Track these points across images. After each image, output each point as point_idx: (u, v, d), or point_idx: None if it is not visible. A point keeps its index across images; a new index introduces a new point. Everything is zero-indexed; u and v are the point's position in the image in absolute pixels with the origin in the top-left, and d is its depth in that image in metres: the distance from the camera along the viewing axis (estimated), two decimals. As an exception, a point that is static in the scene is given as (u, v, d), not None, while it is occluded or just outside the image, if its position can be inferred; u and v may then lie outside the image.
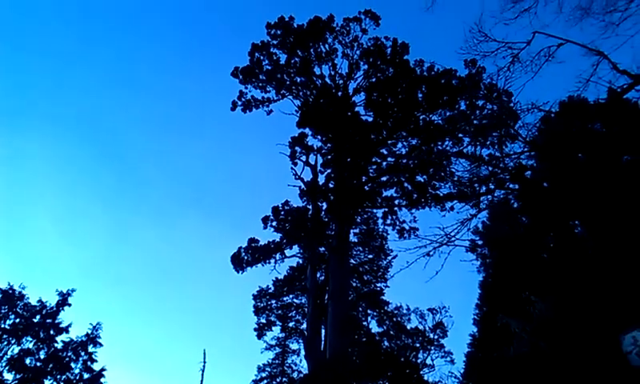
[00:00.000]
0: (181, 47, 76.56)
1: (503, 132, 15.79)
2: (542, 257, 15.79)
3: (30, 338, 22.25)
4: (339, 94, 27.40)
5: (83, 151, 70.61)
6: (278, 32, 27.38)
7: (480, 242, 18.54)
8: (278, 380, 33.22)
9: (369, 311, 31.82)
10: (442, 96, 24.48)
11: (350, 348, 24.65)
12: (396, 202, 26.11)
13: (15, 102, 67.06)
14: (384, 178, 26.17)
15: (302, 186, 27.25)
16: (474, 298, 23.61)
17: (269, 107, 28.08)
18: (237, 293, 69.85)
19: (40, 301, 23.19)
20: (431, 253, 14.77)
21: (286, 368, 33.66)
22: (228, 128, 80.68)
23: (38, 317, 22.87)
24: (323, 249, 26.95)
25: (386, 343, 30.20)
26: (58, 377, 21.95)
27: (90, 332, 23.37)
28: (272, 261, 27.01)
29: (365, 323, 31.35)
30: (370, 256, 31.62)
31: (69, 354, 22.59)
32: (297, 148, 27.50)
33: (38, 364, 21.88)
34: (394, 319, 30.82)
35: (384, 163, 26.23)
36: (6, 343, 21.69)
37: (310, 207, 27.18)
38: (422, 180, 24.87)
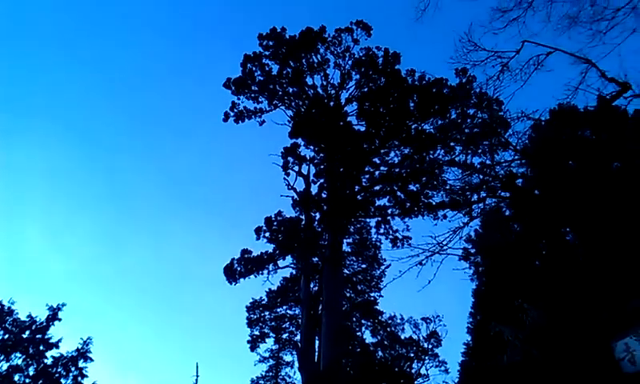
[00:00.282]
0: (173, 57, 76.74)
1: (494, 140, 15.86)
2: (535, 264, 15.81)
3: (19, 354, 21.90)
4: (331, 104, 27.45)
5: (72, 160, 70.38)
6: (270, 43, 27.45)
7: (473, 250, 18.55)
8: (271, 392, 32.99)
9: (363, 321, 31.73)
10: (434, 105, 24.57)
11: (344, 359, 24.51)
12: (389, 211, 26.11)
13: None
14: (377, 188, 26.15)
15: (295, 197, 27.19)
16: (467, 306, 23.62)
17: (261, 118, 28.06)
18: (229, 304, 69.46)
19: (30, 316, 22.89)
20: (424, 262, 14.73)
21: (279, 380, 33.44)
22: (220, 139, 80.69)
23: (27, 332, 22.54)
24: (316, 259, 26.85)
25: (380, 353, 30.12)
26: (48, 393, 21.63)
27: (80, 347, 23.06)
28: (265, 272, 26.79)
29: (359, 333, 31.26)
30: (364, 266, 31.58)
31: (59, 369, 22.25)
32: (289, 158, 27.48)
33: (27, 380, 21.53)
34: (388, 329, 30.75)
35: (377, 172, 26.23)
36: (-6, 360, 21.38)
37: (303, 217, 27.10)
38: (415, 189, 24.87)
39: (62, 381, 22.19)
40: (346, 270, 30.05)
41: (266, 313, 33.34)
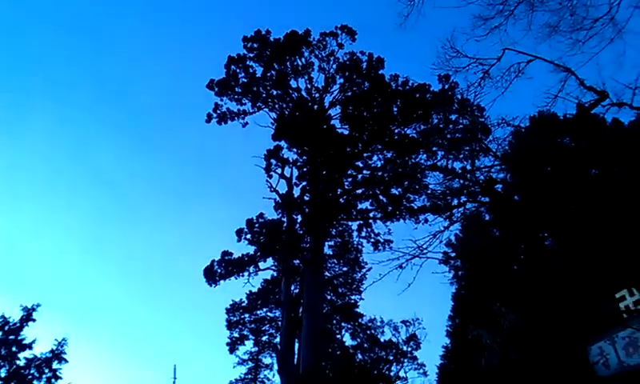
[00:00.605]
0: (157, 56, 76.02)
1: (475, 146, 16.02)
2: (513, 269, 16.02)
3: (-10, 356, 21.43)
4: (315, 107, 27.49)
5: (57, 156, 69.17)
6: (255, 45, 27.37)
7: (453, 255, 18.71)
8: (250, 395, 32.79)
9: (343, 324, 31.76)
10: (417, 110, 24.78)
11: (324, 361, 24.49)
12: (371, 214, 26.20)
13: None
14: (359, 191, 26.22)
15: (277, 199, 27.06)
16: (447, 310, 23.82)
17: (244, 119, 27.91)
18: (209, 306, 68.94)
19: (2, 316, 22.39)
20: (404, 265, 14.69)
21: (258, 383, 33.23)
22: (202, 140, 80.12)
23: (0, 333, 22.03)
24: (298, 261, 26.76)
25: (360, 356, 30.17)
26: (20, 395, 21.16)
27: (54, 348, 22.64)
28: (246, 274, 26.60)
29: (339, 336, 31.27)
30: (345, 268, 31.61)
31: (32, 371, 21.77)
32: (272, 160, 27.36)
33: (-1, 382, 21.06)
34: (368, 332, 30.82)
35: (359, 176, 26.31)
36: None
37: (285, 220, 27.01)
38: (397, 193, 25.03)
39: (35, 383, 21.71)
40: (327, 273, 30.06)
41: (246, 315, 33.16)
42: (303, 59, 27.11)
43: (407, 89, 25.45)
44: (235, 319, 32.84)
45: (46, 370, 22.11)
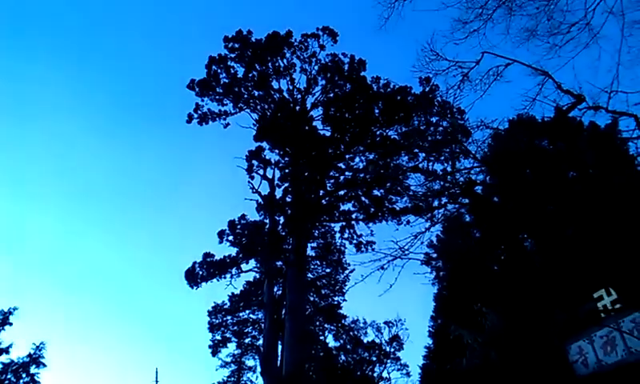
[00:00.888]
0: (136, 54, 75.12)
1: (455, 148, 16.18)
2: (493, 269, 16.19)
3: (-36, 361, 20.95)
4: (297, 108, 27.49)
5: (33, 156, 67.86)
6: (236, 45, 27.28)
7: (434, 255, 18.84)
8: (233, 398, 32.59)
9: (326, 325, 31.77)
10: (398, 112, 24.94)
11: (307, 363, 24.46)
12: (353, 215, 26.31)
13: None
14: (341, 192, 26.29)
15: (260, 200, 27.02)
16: (429, 310, 23.99)
17: (226, 120, 27.84)
18: (190, 308, 68.35)
19: (-22, 321, 21.89)
20: (385, 266, 14.79)
21: (241, 385, 33.05)
22: (183, 140, 79.38)
23: (-26, 338, 21.57)
24: (280, 263, 26.73)
25: (343, 357, 30.20)
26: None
27: (32, 352, 22.20)
28: (228, 276, 26.47)
29: (322, 337, 31.27)
30: (328, 270, 31.63)
31: (8, 376, 21.33)
32: (254, 161, 27.33)
33: (-27, 388, 20.60)
34: (351, 333, 30.88)
35: (341, 177, 26.40)
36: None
37: (268, 221, 26.97)
38: (379, 194, 25.18)
39: (12, 388, 21.30)
40: (309, 274, 30.05)
41: (229, 317, 32.96)
42: (285, 60, 27.14)
43: (389, 91, 25.63)
44: (217, 321, 32.62)
45: (24, 375, 21.71)
